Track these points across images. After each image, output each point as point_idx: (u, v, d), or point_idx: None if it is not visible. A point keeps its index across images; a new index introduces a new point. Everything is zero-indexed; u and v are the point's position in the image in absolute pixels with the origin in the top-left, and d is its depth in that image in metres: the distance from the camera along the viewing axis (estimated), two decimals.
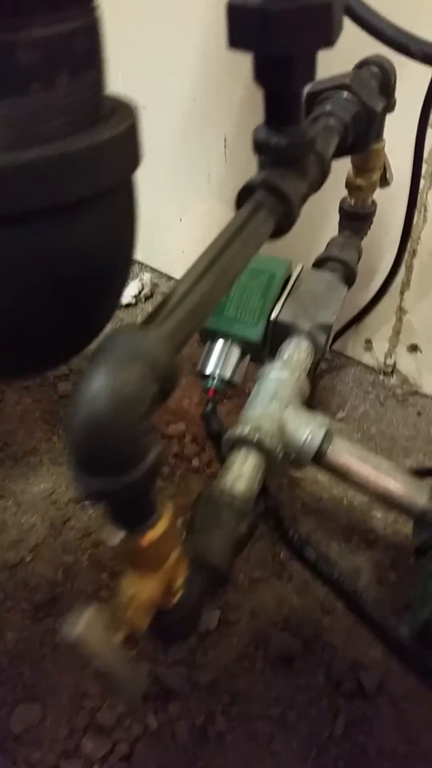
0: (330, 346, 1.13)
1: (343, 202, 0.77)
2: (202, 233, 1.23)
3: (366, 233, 0.80)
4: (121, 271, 0.45)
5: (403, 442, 1.01)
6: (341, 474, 0.56)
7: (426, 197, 0.88)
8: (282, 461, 0.55)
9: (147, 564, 0.36)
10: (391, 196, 0.89)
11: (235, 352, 0.66)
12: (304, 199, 0.46)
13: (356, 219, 0.76)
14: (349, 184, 0.74)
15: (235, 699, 0.77)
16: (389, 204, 0.90)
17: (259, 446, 0.52)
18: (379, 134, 0.69)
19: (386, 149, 0.78)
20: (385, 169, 0.76)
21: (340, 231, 0.79)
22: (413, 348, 1.04)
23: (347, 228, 0.77)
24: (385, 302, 1.03)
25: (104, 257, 0.40)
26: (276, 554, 0.92)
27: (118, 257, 0.43)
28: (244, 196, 0.45)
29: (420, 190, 0.87)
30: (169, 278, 1.36)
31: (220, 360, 0.66)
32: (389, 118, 0.71)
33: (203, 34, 1.01)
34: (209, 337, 0.66)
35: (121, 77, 1.14)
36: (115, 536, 0.34)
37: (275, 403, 0.55)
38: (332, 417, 1.05)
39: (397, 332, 1.05)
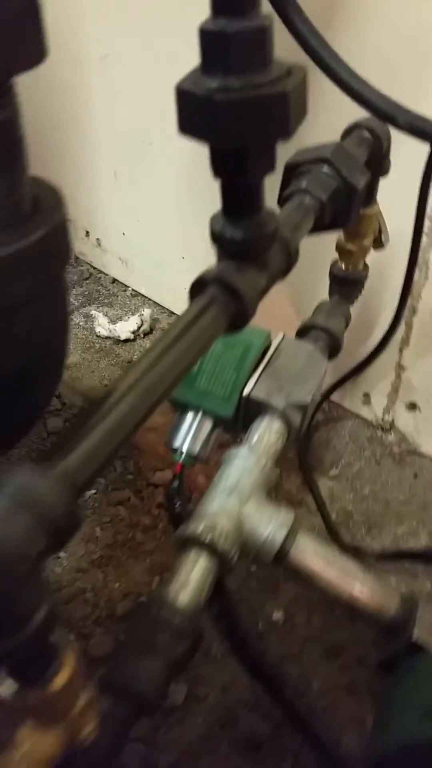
0: (327, 397, 1.09)
1: (333, 265, 0.73)
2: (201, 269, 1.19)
3: (357, 298, 0.76)
4: (48, 372, 0.41)
5: (397, 507, 0.96)
6: (304, 576, 0.52)
7: (428, 255, 0.84)
8: (240, 559, 0.51)
9: (46, 716, 0.32)
10: (392, 251, 0.84)
11: (206, 426, 0.62)
12: (262, 293, 0.42)
13: (346, 284, 0.72)
14: (339, 249, 0.70)
15: None
16: (391, 258, 0.85)
17: (211, 548, 0.48)
18: (369, 199, 0.65)
19: (387, 204, 0.74)
20: (380, 232, 0.71)
21: (330, 295, 0.75)
22: (412, 406, 0.99)
23: (337, 293, 0.73)
24: (384, 357, 0.98)
25: (23, 363, 0.37)
26: (254, 624, 0.88)
27: (43, 361, 0.39)
28: (196, 289, 0.41)
29: (421, 248, 0.82)
30: (171, 314, 1.33)
31: (189, 433, 0.62)
32: (389, 175, 0.67)
33: None
34: (179, 407, 0.62)
35: (127, 111, 1.13)
36: (7, 688, 0.30)
37: (235, 497, 0.51)
38: (325, 474, 1.01)
39: (395, 389, 1.00)
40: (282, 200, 0.51)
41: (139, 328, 1.26)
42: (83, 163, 1.29)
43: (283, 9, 0.51)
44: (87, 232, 1.40)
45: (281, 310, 1.06)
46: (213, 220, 0.41)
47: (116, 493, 1.05)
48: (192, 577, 0.46)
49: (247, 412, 0.61)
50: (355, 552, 0.86)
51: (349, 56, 0.50)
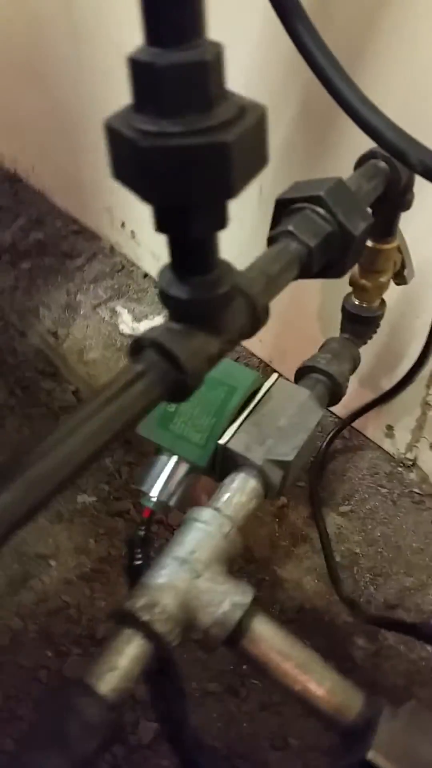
0: (349, 423, 1.02)
1: (346, 300, 0.65)
2: None
3: (370, 338, 0.68)
4: None
5: (409, 555, 0.88)
6: (258, 665, 0.46)
7: None
8: (183, 639, 0.46)
9: None
10: (427, 278, 0.77)
11: (181, 471, 0.57)
12: (213, 359, 0.36)
13: (359, 322, 0.65)
14: (353, 283, 0.62)
15: None
16: (425, 286, 0.77)
17: (147, 630, 0.43)
18: (386, 234, 0.57)
19: (419, 232, 0.67)
20: (402, 266, 0.64)
21: (341, 331, 0.68)
22: None
23: (348, 331, 0.66)
24: (410, 391, 0.90)
25: None
26: (239, 664, 0.83)
27: None
28: (133, 351, 0.36)
29: None
30: None
31: (161, 478, 0.57)
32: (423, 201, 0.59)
33: (245, 79, 0.90)
34: (154, 446, 0.57)
35: None
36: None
37: (186, 569, 0.46)
38: (335, 509, 0.94)
39: (420, 426, 0.92)
40: (268, 242, 0.45)
41: None
42: None
43: (285, 15, 0.44)
44: (123, 223, 1.36)
45: (306, 323, 0.99)
46: (160, 274, 0.35)
47: (117, 502, 1.01)
48: (119, 662, 0.41)
49: (224, 463, 0.55)
50: (350, 605, 0.80)
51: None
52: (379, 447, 1.02)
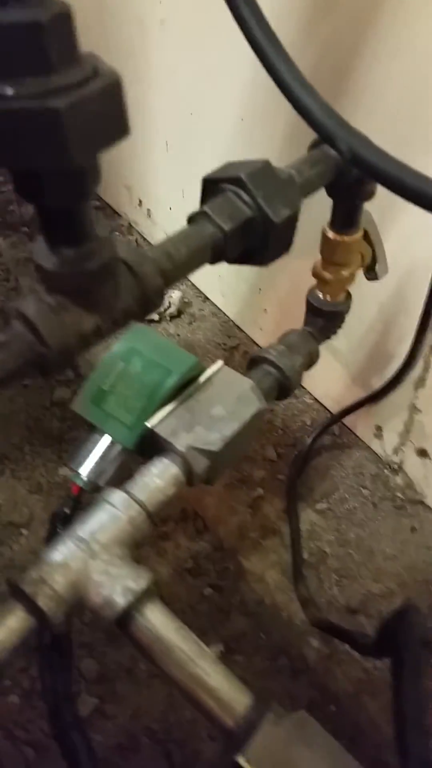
0: (339, 420, 0.99)
1: (310, 292, 0.63)
2: None
3: (334, 332, 0.65)
4: None
5: (380, 561, 0.86)
6: (146, 653, 0.45)
7: None
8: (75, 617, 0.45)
9: None
10: (421, 277, 0.73)
11: (114, 451, 0.56)
12: (85, 337, 0.35)
13: (321, 316, 0.62)
14: (315, 275, 0.60)
15: None
16: (417, 284, 0.74)
17: (31, 604, 0.43)
18: (349, 224, 0.55)
19: (413, 230, 0.64)
20: (373, 260, 0.61)
21: (304, 324, 0.65)
22: (422, 453, 0.88)
23: (310, 324, 0.63)
24: (399, 392, 0.87)
25: None
26: None
27: None
28: (5, 321, 0.35)
29: None
30: (206, 299, 1.26)
31: (92, 457, 0.56)
32: None
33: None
34: (87, 423, 0.57)
35: (179, 80, 1.05)
36: None
37: (83, 549, 0.45)
38: (312, 506, 0.92)
39: (407, 430, 0.88)
40: (187, 222, 0.43)
41: (165, 310, 1.20)
42: (139, 129, 1.22)
43: None
44: (140, 201, 1.35)
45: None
46: (35, 243, 0.34)
47: None
48: None
49: (151, 447, 0.54)
50: (303, 603, 0.78)
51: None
52: (368, 447, 0.99)
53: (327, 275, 0.58)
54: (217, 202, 0.41)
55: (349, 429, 1.02)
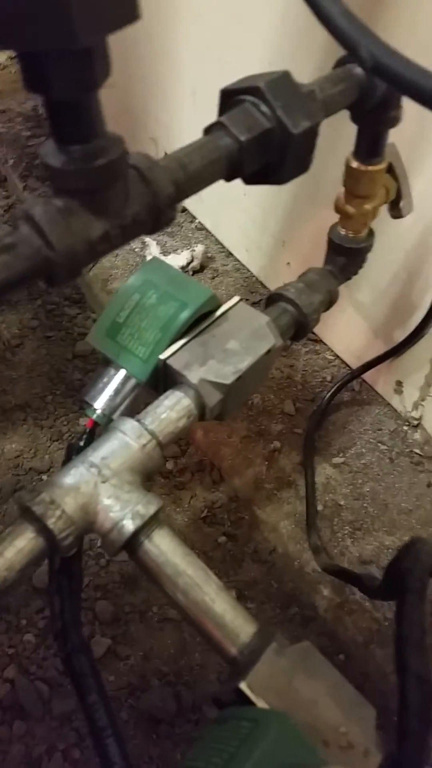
0: (359, 375, 0.98)
1: (332, 229, 0.61)
2: (262, 214, 1.09)
3: (355, 272, 0.63)
4: None
5: (394, 514, 0.85)
6: (153, 578, 0.45)
7: None
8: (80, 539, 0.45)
9: None
10: None
11: (129, 385, 0.56)
12: (93, 243, 0.34)
13: (342, 253, 0.60)
14: (338, 209, 0.58)
15: (82, 740, 0.71)
16: None
17: (41, 525, 0.43)
18: (374, 153, 0.53)
19: None
20: (398, 196, 0.59)
21: (324, 263, 0.63)
22: None
23: (331, 262, 0.62)
24: (421, 345, 0.85)
25: None
26: None
27: None
28: (11, 222, 0.34)
29: None
30: (229, 254, 1.25)
31: (107, 391, 0.56)
32: None
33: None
34: (103, 358, 0.56)
35: (207, 27, 1.02)
36: None
37: (94, 473, 0.45)
38: (329, 459, 0.91)
39: (428, 383, 0.87)
40: (204, 133, 0.42)
41: (188, 264, 1.19)
42: (165, 79, 1.20)
43: None
44: (165, 153, 1.33)
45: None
46: (44, 143, 0.33)
47: None
48: (6, 552, 0.42)
49: (165, 380, 0.53)
50: (314, 550, 0.78)
51: None
52: (388, 403, 0.98)
53: (350, 209, 0.56)
54: (234, 113, 0.40)
55: (369, 385, 1.01)
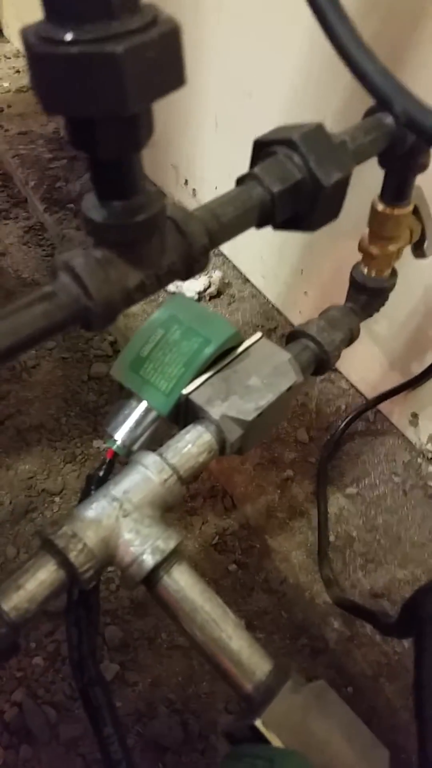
0: (375, 406, 0.98)
1: (355, 267, 0.62)
2: (280, 242, 1.10)
3: (376, 310, 0.64)
4: None
5: (407, 548, 0.85)
6: (171, 613, 0.46)
7: None
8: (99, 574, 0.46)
9: None
10: None
11: (150, 417, 0.57)
12: (129, 292, 0.35)
13: (364, 292, 0.61)
14: (362, 249, 0.59)
15: (88, 766, 0.71)
16: None
17: (62, 558, 0.43)
18: (400, 197, 0.54)
19: None
20: (422, 237, 0.60)
21: (346, 300, 0.64)
22: None
23: (353, 300, 0.62)
24: None
25: None
26: None
27: None
28: (51, 273, 0.35)
29: None
30: (246, 280, 1.26)
31: (128, 422, 0.57)
32: None
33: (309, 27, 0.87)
34: (125, 391, 0.57)
35: (233, 60, 1.04)
36: None
37: (116, 506, 0.46)
38: (342, 490, 0.91)
39: None
40: (236, 184, 0.43)
41: (205, 289, 1.20)
42: (189, 109, 1.23)
43: None
44: (186, 181, 1.35)
45: None
46: (85, 198, 0.35)
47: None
48: (28, 584, 0.42)
49: (186, 414, 0.54)
50: (326, 583, 0.78)
51: None
52: (402, 435, 0.98)
53: (374, 250, 0.57)
54: (267, 164, 0.41)
55: (384, 415, 1.01)
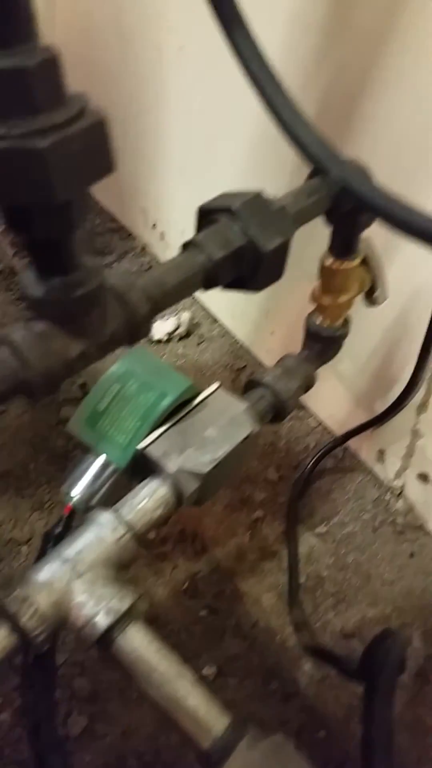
0: (342, 443, 0.99)
1: (308, 317, 0.64)
2: None
3: (331, 357, 0.66)
4: None
5: (377, 585, 0.85)
6: (126, 673, 0.46)
7: None
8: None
9: None
10: (420, 301, 0.74)
11: (108, 471, 0.57)
12: (71, 363, 0.36)
13: (319, 341, 0.63)
14: (314, 300, 0.61)
15: None
16: (418, 309, 0.75)
17: (13, 623, 0.43)
18: (347, 252, 0.56)
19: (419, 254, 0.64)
20: (373, 286, 0.61)
21: (302, 348, 0.66)
22: (424, 478, 0.87)
23: (308, 348, 0.64)
24: (402, 417, 0.87)
25: None
26: None
27: None
28: None
29: None
30: (215, 320, 1.28)
31: (86, 477, 0.57)
32: None
33: None
34: (83, 446, 0.58)
35: (196, 106, 1.07)
36: None
37: (68, 568, 0.46)
38: (312, 529, 0.92)
39: (409, 454, 0.88)
40: (181, 249, 0.44)
41: (174, 330, 1.22)
42: (155, 155, 1.25)
43: (225, 22, 0.43)
44: (154, 224, 1.38)
45: None
46: (24, 272, 0.36)
47: None
48: None
49: (143, 468, 0.55)
50: (296, 627, 0.78)
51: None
52: (371, 471, 0.99)
53: (325, 301, 0.59)
54: (210, 231, 0.42)
55: (352, 452, 1.02)
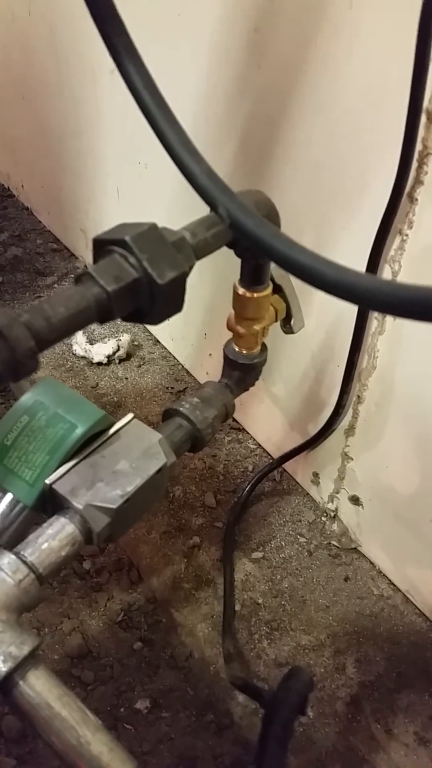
0: (280, 465, 0.99)
1: (227, 344, 0.63)
2: (185, 305, 1.12)
3: (251, 384, 0.66)
4: None
5: (312, 611, 0.85)
6: (27, 720, 0.44)
7: (377, 340, 0.72)
8: None
9: None
10: (343, 325, 0.75)
11: (17, 508, 0.55)
12: None
13: (237, 368, 0.62)
14: (230, 328, 0.60)
15: None
16: (342, 333, 0.76)
17: None
18: (257, 282, 0.55)
19: None
20: (288, 315, 0.61)
21: (221, 376, 0.65)
22: (355, 500, 0.88)
23: (227, 376, 0.63)
24: (333, 440, 0.88)
25: None
26: (117, 706, 0.80)
27: None
28: None
29: (370, 332, 0.72)
30: (156, 342, 1.27)
31: None
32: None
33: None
34: None
35: (128, 131, 1.07)
36: None
37: None
38: (248, 554, 0.91)
39: (341, 477, 0.89)
40: (75, 281, 0.43)
41: (114, 352, 1.20)
42: (92, 176, 1.25)
43: (116, 54, 0.43)
44: None
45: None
46: None
47: None
48: None
49: (52, 504, 0.53)
50: (226, 659, 0.77)
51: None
52: (307, 493, 0.99)
53: (240, 329, 0.59)
54: (104, 263, 0.42)
55: (289, 475, 1.02)
